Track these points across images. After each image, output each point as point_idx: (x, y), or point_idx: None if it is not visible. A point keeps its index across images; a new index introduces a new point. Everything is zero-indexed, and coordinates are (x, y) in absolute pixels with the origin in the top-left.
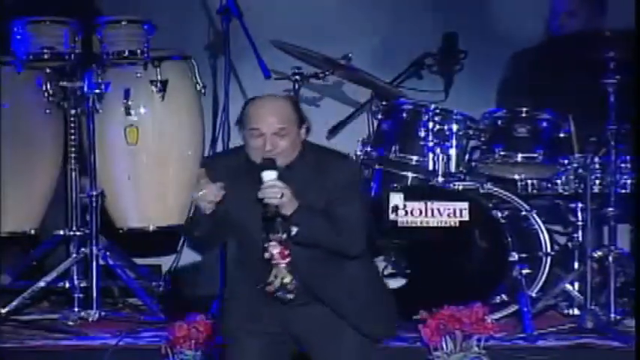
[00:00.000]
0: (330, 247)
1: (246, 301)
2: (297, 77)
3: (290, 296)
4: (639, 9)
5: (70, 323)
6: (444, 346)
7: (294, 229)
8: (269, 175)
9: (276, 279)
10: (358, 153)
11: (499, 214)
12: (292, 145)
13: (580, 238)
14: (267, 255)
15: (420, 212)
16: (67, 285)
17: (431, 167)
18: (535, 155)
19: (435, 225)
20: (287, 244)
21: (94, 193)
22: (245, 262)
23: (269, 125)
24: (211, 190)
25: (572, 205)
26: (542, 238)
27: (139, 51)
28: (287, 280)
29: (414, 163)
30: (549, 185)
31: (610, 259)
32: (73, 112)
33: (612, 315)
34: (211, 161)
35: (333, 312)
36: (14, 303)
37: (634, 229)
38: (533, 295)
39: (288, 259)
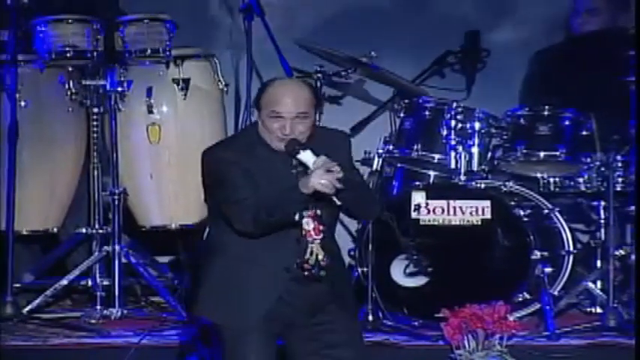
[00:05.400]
0: (364, 207)
1: (254, 293)
2: (319, 76)
3: (322, 273)
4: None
5: (93, 321)
6: (466, 344)
7: (336, 201)
8: (309, 156)
9: (311, 256)
10: (380, 151)
11: (521, 213)
12: (309, 129)
13: (602, 237)
14: (303, 232)
15: (442, 210)
16: (90, 283)
17: (453, 165)
18: (557, 153)
19: (457, 223)
20: (320, 219)
21: (117, 191)
22: (262, 247)
23: (290, 110)
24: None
25: (595, 204)
26: (564, 237)
27: (161, 49)
28: (321, 256)
29: (436, 161)
30: (571, 183)
31: (632, 257)
32: (95, 110)
33: (634, 313)
34: (222, 152)
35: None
36: (36, 301)
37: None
38: (556, 293)
39: (321, 235)
